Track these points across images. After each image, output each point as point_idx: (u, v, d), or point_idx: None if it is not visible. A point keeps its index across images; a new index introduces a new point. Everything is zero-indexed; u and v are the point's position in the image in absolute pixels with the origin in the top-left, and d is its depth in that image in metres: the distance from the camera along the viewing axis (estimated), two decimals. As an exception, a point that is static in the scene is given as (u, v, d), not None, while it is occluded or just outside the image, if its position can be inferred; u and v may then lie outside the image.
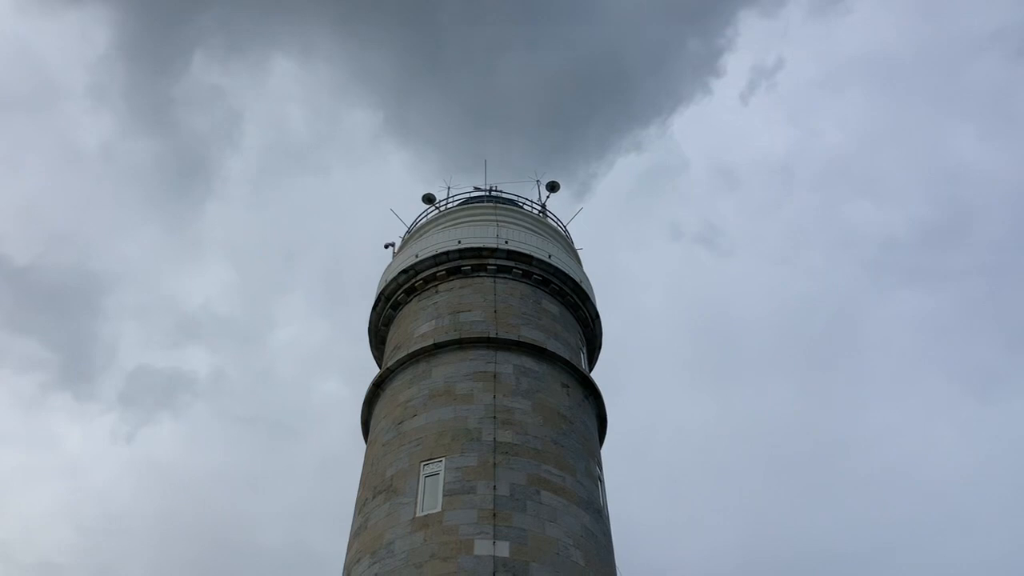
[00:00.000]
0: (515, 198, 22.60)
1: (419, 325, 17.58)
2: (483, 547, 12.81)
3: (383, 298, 19.09)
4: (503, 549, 12.78)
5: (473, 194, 22.80)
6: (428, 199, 22.62)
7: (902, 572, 42.13)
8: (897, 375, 49.36)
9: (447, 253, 18.53)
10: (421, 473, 14.19)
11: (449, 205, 21.97)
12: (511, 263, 18.31)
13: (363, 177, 56.63)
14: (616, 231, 51.46)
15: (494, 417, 14.82)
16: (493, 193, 22.88)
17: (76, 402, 50.37)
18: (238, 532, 43.27)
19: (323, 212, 56.48)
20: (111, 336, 50.41)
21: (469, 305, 17.50)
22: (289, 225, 55.50)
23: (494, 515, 13.20)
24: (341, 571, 14.29)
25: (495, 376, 15.64)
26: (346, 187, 56.07)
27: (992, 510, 43.93)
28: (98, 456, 48.07)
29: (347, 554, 14.41)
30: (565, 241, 21.05)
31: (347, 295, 49.40)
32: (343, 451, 34.87)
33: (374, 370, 17.81)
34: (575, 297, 18.87)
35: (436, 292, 18.18)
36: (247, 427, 48.41)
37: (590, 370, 18.79)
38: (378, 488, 14.61)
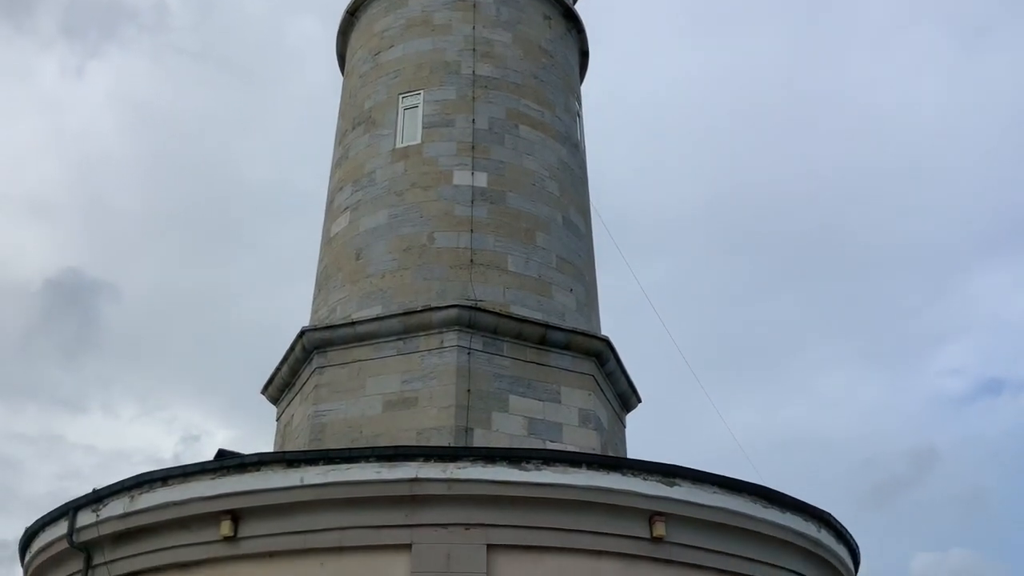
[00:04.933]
0: None
1: (393, -53, 16.37)
2: (462, 177, 13.27)
3: (353, -84, 17.48)
4: (481, 180, 13.24)
5: None
6: None
7: (871, 216, 44.56)
8: (889, 23, 47.85)
9: None
10: (400, 105, 14.20)
11: None
12: None
13: None
14: None
15: (473, 49, 14.47)
16: None
17: (19, 34, 48.23)
18: (225, 169, 44.16)
19: None
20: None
21: (447, -74, 16.14)
22: None
23: (473, 148, 13.46)
24: (326, 199, 14.86)
25: (475, 5, 14.96)
26: None
27: (968, 161, 45.45)
28: (68, 93, 47.13)
29: (330, 182, 14.87)
30: None
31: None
32: (325, 93, 34.35)
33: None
34: (562, -81, 17.38)
35: (411, -90, 16.64)
36: (223, 68, 47.05)
37: (574, 2, 17.95)
38: (357, 120, 14.67)
